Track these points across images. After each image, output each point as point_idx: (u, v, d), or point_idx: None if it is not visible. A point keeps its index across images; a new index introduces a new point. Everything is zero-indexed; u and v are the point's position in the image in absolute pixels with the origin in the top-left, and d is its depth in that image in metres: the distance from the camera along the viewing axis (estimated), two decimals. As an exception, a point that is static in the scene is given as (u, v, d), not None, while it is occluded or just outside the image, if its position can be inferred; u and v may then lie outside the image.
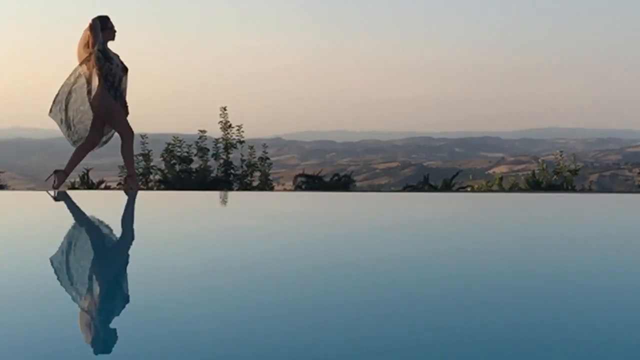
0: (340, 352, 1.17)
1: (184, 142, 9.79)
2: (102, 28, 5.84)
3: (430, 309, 1.48)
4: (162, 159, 9.65)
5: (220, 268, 2.05)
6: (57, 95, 5.84)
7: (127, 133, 6.00)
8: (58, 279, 1.87)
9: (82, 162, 6.45)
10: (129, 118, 6.03)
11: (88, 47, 5.76)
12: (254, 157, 9.87)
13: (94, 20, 5.86)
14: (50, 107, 5.88)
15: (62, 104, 5.81)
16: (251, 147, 9.94)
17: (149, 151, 9.64)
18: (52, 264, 2.08)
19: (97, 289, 1.74)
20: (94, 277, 1.90)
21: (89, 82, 5.75)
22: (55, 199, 4.72)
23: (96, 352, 1.19)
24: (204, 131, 9.87)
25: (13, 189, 9.80)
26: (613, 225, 3.21)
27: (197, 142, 9.74)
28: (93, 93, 5.70)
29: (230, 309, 1.50)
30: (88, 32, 5.79)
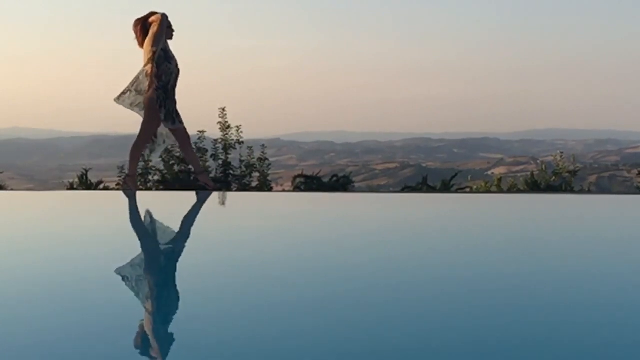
0: (339, 353, 1.17)
1: (183, 142, 9.75)
2: None
3: (428, 310, 1.48)
4: (161, 159, 9.63)
5: (218, 269, 2.05)
6: (125, 88, 5.97)
7: (146, 137, 6.09)
8: (58, 279, 1.86)
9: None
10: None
11: (152, 46, 5.81)
12: (253, 158, 9.86)
13: (163, 15, 5.89)
14: (118, 95, 5.99)
15: (131, 91, 5.92)
16: (250, 148, 9.92)
17: (147, 152, 9.63)
18: (53, 265, 2.07)
19: (97, 289, 1.74)
20: (94, 277, 1.89)
21: (149, 80, 5.85)
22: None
23: (96, 352, 1.18)
24: (203, 132, 9.85)
25: (12, 189, 9.78)
26: (612, 227, 3.21)
27: (196, 143, 9.73)
28: (147, 90, 5.83)
29: (229, 309, 1.49)
30: (154, 29, 5.81)
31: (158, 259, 2.23)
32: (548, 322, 1.37)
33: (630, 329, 1.33)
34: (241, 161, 9.89)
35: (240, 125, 9.80)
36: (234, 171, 9.79)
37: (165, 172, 9.58)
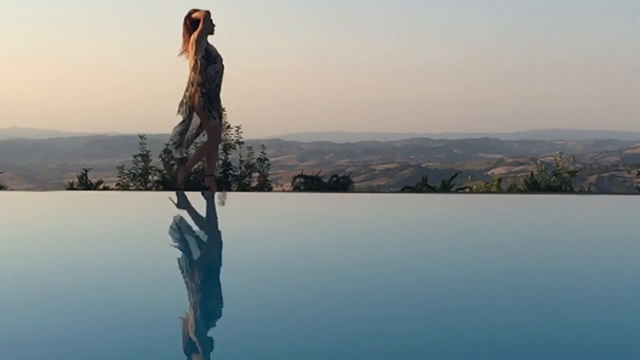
0: (338, 353, 1.16)
1: (183, 142, 9.75)
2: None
3: (428, 310, 1.48)
4: (160, 159, 9.62)
5: (217, 269, 2.05)
6: (181, 100, 6.06)
7: (215, 141, 6.22)
8: (58, 279, 1.86)
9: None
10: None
11: (196, 54, 5.82)
12: (253, 158, 9.85)
13: (207, 12, 5.88)
14: (177, 109, 6.13)
15: (185, 102, 6.03)
16: (250, 148, 9.91)
17: (147, 152, 9.62)
18: (52, 265, 2.07)
19: (97, 289, 1.74)
20: (94, 277, 1.89)
21: (192, 88, 5.92)
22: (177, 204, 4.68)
23: (94, 351, 1.18)
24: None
25: (11, 189, 9.78)
26: (611, 227, 3.21)
27: (196, 143, 9.71)
28: (193, 98, 5.89)
29: (228, 309, 1.49)
30: (199, 30, 5.80)
31: (159, 259, 2.23)
32: (547, 321, 1.37)
33: (630, 329, 1.33)
34: (241, 161, 9.88)
35: (240, 125, 9.79)
36: (233, 171, 9.78)
37: (165, 172, 9.57)
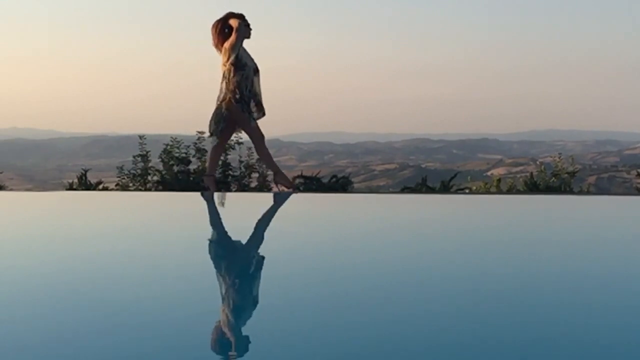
0: (338, 353, 1.17)
1: (182, 143, 9.78)
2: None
3: (427, 312, 1.48)
4: (160, 160, 9.63)
5: (217, 269, 2.05)
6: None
7: (256, 136, 6.27)
8: (58, 280, 1.86)
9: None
10: (265, 119, 6.26)
11: (227, 61, 5.83)
12: (252, 159, 9.86)
13: (240, 23, 5.84)
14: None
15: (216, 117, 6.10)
16: (249, 149, 9.92)
17: (147, 152, 9.64)
18: (52, 266, 2.07)
19: (97, 290, 1.74)
20: (94, 278, 1.89)
21: (222, 94, 5.95)
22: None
23: (93, 352, 1.18)
24: (203, 132, 9.85)
25: (11, 189, 9.78)
26: (611, 228, 3.21)
27: (195, 143, 9.72)
28: (225, 101, 5.92)
29: (229, 309, 1.49)
30: (231, 40, 5.79)
31: (159, 259, 2.23)
32: (546, 322, 1.37)
33: (630, 330, 1.33)
34: (240, 162, 9.90)
35: (240, 126, 9.79)
36: (233, 172, 9.79)
37: (164, 172, 9.58)
